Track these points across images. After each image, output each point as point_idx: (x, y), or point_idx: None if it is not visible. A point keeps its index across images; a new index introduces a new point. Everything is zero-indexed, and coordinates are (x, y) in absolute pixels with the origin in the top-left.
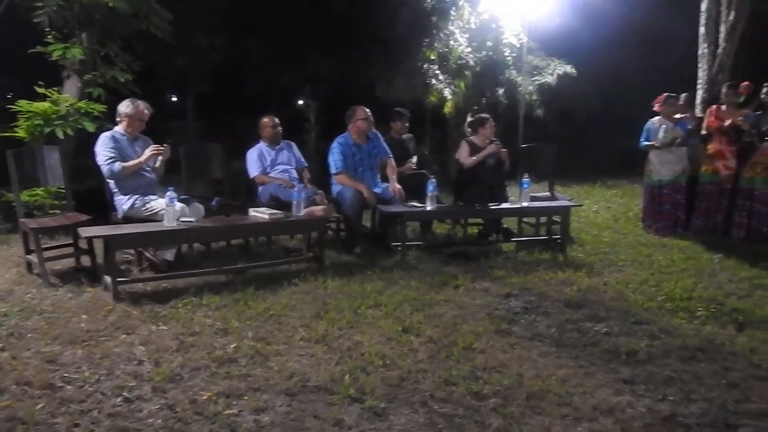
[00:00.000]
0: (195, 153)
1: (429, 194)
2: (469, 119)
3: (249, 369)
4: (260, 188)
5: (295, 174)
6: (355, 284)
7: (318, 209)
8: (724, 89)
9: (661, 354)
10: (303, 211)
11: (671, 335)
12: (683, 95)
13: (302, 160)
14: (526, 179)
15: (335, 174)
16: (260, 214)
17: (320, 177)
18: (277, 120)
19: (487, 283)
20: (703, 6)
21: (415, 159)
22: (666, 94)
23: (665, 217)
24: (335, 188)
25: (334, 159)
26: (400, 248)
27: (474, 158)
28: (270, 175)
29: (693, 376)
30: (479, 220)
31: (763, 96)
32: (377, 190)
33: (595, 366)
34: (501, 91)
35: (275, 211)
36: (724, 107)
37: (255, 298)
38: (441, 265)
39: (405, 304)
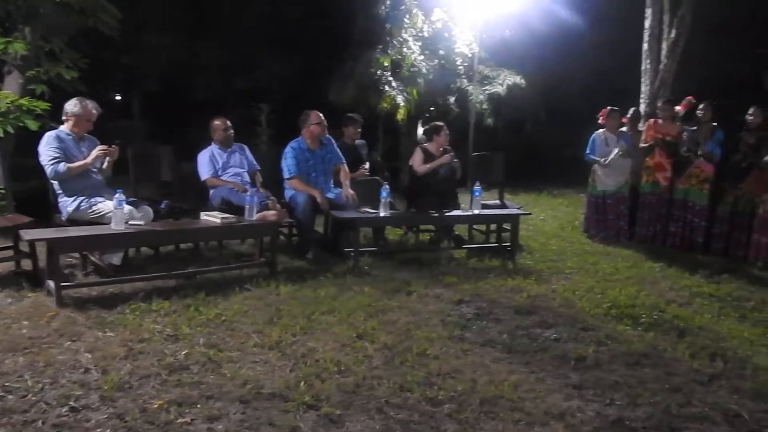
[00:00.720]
0: (143, 154)
1: (382, 200)
2: (420, 127)
3: (201, 376)
4: (211, 191)
5: (247, 177)
6: (308, 290)
7: (271, 214)
8: (660, 104)
9: (608, 360)
10: (255, 216)
11: (617, 341)
12: (631, 110)
13: (255, 163)
14: (477, 187)
15: (288, 179)
16: (212, 218)
17: (272, 181)
18: (228, 122)
19: (439, 289)
20: (647, 23)
21: (367, 165)
22: (610, 107)
23: (609, 226)
24: (288, 193)
25: (287, 163)
26: (352, 254)
27: (428, 166)
28: (222, 178)
29: (638, 381)
30: (431, 227)
31: (699, 113)
32: (330, 195)
33: (545, 371)
34: (452, 99)
35: (227, 215)
36: (660, 121)
37: (206, 303)
38: (394, 271)
39: (359, 310)
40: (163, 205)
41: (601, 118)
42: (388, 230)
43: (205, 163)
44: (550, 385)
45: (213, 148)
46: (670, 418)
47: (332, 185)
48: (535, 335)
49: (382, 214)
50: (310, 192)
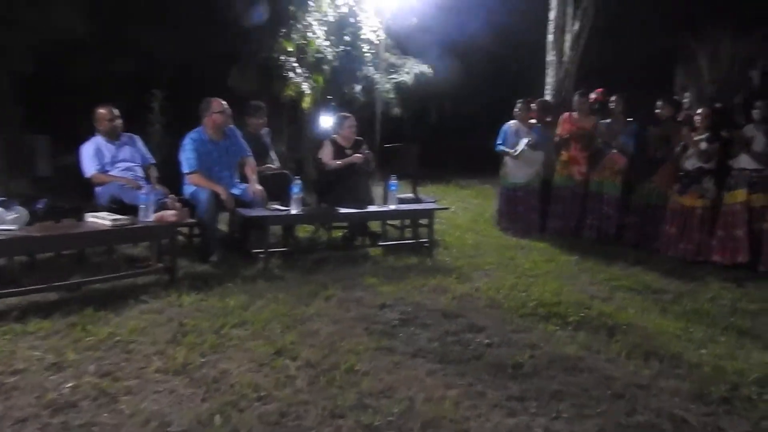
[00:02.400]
0: (15, 146)
1: (294, 196)
2: (323, 116)
3: (93, 415)
4: (98, 189)
5: (140, 173)
6: (215, 299)
7: (170, 214)
8: (576, 97)
9: (545, 365)
10: (152, 216)
11: (550, 344)
12: (539, 101)
13: (148, 156)
14: (393, 181)
15: (188, 173)
16: (99, 219)
17: (169, 176)
18: (116, 111)
19: (359, 292)
20: (551, 15)
21: (274, 157)
22: (522, 100)
23: (521, 219)
24: (188, 189)
25: (187, 157)
26: (262, 255)
27: (339, 162)
28: (110, 173)
29: (580, 389)
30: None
31: (611, 105)
32: (236, 191)
33: (483, 382)
34: (358, 87)
35: (118, 216)
36: (576, 114)
37: (95, 321)
38: (308, 273)
39: (274, 321)
40: (40, 205)
41: (515, 110)
42: (297, 227)
43: (89, 156)
44: (491, 399)
45: (99, 140)
46: (621, 430)
47: (237, 180)
48: (467, 341)
49: (294, 212)
50: (212, 188)
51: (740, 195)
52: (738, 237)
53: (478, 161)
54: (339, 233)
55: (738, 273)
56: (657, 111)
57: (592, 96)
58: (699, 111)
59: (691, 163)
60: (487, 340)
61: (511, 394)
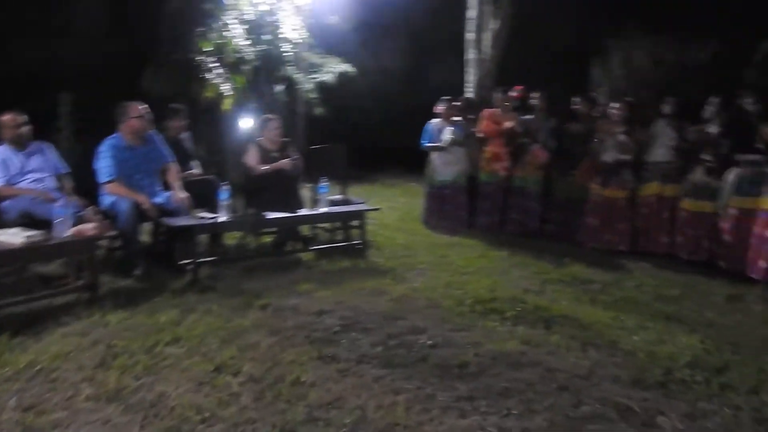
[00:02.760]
0: None
1: (222, 202)
2: (244, 118)
3: None
4: (6, 203)
5: (52, 184)
6: (144, 316)
7: (89, 227)
8: (497, 94)
9: (490, 363)
10: (69, 230)
11: (491, 341)
12: (461, 98)
13: (61, 166)
14: (323, 183)
15: (106, 183)
16: (10, 236)
17: (83, 186)
18: (22, 117)
19: (295, 299)
20: (470, 13)
21: (197, 163)
22: (443, 97)
23: (449, 216)
24: (106, 200)
25: (104, 165)
26: (190, 266)
27: (266, 167)
28: (19, 186)
29: (526, 384)
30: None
31: (532, 102)
32: (158, 199)
33: (431, 385)
34: (279, 87)
35: (30, 232)
36: (497, 111)
37: (12, 348)
38: (240, 282)
39: (210, 336)
40: None
41: (438, 107)
42: (224, 234)
43: None
44: (441, 402)
45: (4, 150)
46: (570, 423)
47: (160, 188)
48: (410, 343)
49: (223, 219)
50: (133, 197)
51: (654, 187)
52: (651, 226)
53: (401, 160)
54: (268, 239)
55: (659, 260)
56: (575, 107)
57: (513, 93)
58: (615, 105)
59: (610, 156)
60: (430, 341)
61: (460, 395)
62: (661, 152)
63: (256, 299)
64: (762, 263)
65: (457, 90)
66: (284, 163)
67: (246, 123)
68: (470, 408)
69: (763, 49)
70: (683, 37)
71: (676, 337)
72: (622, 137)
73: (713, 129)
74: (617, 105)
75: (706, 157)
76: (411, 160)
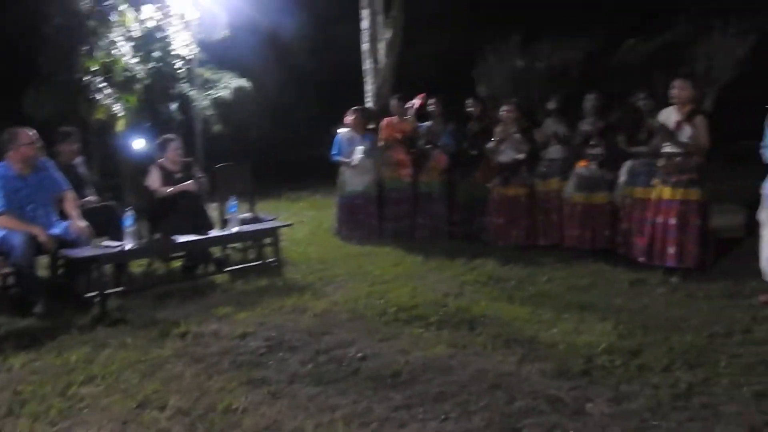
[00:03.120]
0: None
1: (127, 229)
2: (137, 138)
3: None
4: None
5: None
6: (51, 356)
7: None
8: (393, 102)
9: (421, 370)
10: None
11: (419, 347)
12: (358, 108)
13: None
14: (233, 203)
15: None
16: None
17: None
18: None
19: (214, 324)
20: (364, 24)
21: (92, 189)
22: (354, 107)
23: (362, 226)
24: None
25: None
26: (96, 299)
27: (170, 190)
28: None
29: (459, 387)
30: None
31: (430, 108)
32: (56, 230)
33: (366, 398)
34: (174, 106)
35: None
36: (395, 119)
37: None
38: (153, 311)
39: (128, 371)
40: None
41: (346, 118)
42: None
43: None
44: (379, 413)
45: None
46: (506, 419)
47: (56, 218)
48: (339, 357)
49: (129, 247)
50: (27, 229)
51: (554, 183)
52: (553, 221)
53: (304, 173)
54: (177, 264)
55: (563, 253)
56: (469, 109)
57: (412, 101)
58: (504, 107)
59: (507, 156)
60: (359, 354)
61: (397, 404)
62: (556, 149)
63: (173, 328)
64: (666, 249)
65: (357, 100)
66: (189, 184)
67: (141, 144)
68: (408, 416)
69: (625, 47)
70: (558, 38)
71: (592, 326)
72: (516, 137)
73: (593, 124)
74: (507, 107)
75: (596, 150)
76: (314, 173)
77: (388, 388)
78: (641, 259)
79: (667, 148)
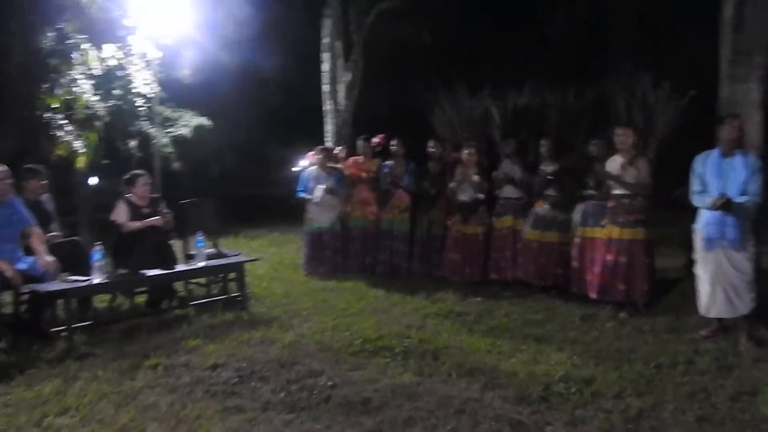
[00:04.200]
0: None
1: (96, 264)
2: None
3: None
4: None
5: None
6: (22, 390)
7: None
8: (360, 142)
9: (390, 396)
10: None
11: (387, 376)
12: (320, 148)
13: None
14: (200, 238)
15: None
16: None
17: None
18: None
19: (184, 356)
20: (324, 66)
21: (57, 225)
22: (321, 146)
23: (327, 262)
24: None
25: None
26: (63, 333)
27: (138, 224)
28: None
29: (426, 413)
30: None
31: (393, 148)
32: (21, 265)
33: (339, 423)
34: (134, 143)
35: None
36: (360, 158)
37: None
38: (121, 345)
39: (103, 402)
40: None
41: (310, 156)
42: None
43: None
44: None
45: None
46: None
47: (21, 253)
48: (310, 386)
49: (97, 281)
50: None
51: (507, 221)
52: (507, 258)
53: (263, 210)
54: (141, 299)
55: (517, 289)
56: (430, 150)
57: (375, 140)
58: (465, 150)
59: (466, 195)
60: (330, 382)
61: (368, 429)
62: (511, 188)
63: (143, 360)
64: (616, 286)
65: (316, 140)
66: (156, 219)
67: (98, 180)
68: None
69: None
70: (511, 87)
71: (548, 356)
72: (475, 178)
73: (550, 167)
74: (468, 149)
75: (551, 192)
76: (272, 211)
77: (359, 414)
78: (593, 296)
79: (616, 191)
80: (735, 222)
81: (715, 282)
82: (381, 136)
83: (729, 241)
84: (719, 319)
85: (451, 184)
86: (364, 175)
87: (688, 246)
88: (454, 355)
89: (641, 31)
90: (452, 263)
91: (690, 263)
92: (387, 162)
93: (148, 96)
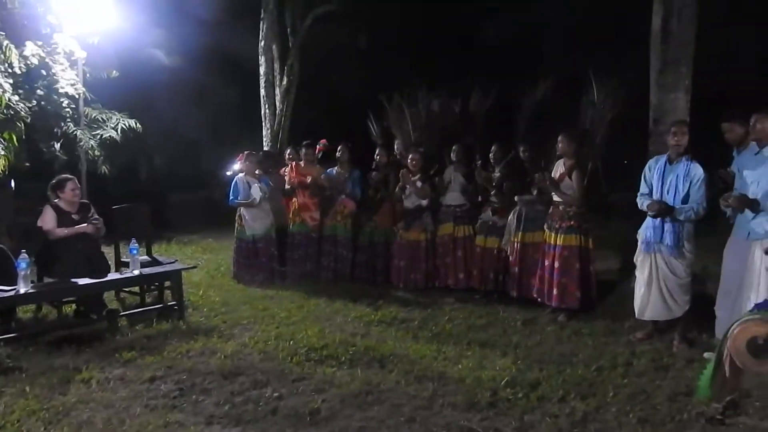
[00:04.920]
0: None
1: (21, 273)
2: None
3: None
4: None
5: None
6: None
7: None
8: (303, 149)
9: (339, 406)
10: None
11: (334, 385)
12: (261, 152)
13: None
14: (134, 245)
15: None
16: None
17: None
18: None
19: (119, 369)
20: (261, 70)
21: None
22: (247, 151)
23: (262, 269)
24: None
25: None
26: None
27: (66, 231)
28: None
29: (377, 422)
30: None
31: (338, 154)
32: None
33: None
34: (58, 145)
35: None
36: (302, 164)
37: None
38: (49, 358)
39: (31, 419)
40: None
41: (238, 162)
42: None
43: None
44: None
45: None
46: None
47: None
48: (256, 397)
49: (23, 290)
50: None
51: (449, 227)
52: (449, 264)
53: (197, 215)
54: (70, 309)
55: (460, 294)
56: (376, 158)
57: (318, 146)
58: (411, 155)
59: (410, 202)
60: (275, 393)
61: None
62: (453, 195)
63: (75, 374)
64: (552, 290)
65: (253, 144)
66: (87, 227)
67: (20, 184)
68: None
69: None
70: (460, 89)
71: (493, 361)
72: (419, 184)
73: (496, 173)
74: (412, 155)
75: (492, 198)
76: (204, 216)
77: (308, 426)
78: (538, 299)
79: (555, 197)
80: (673, 228)
81: (650, 284)
82: (323, 141)
83: (666, 246)
84: (654, 322)
85: (396, 190)
86: (304, 180)
87: (624, 249)
88: (401, 363)
89: (573, 39)
90: (397, 270)
91: (626, 267)
92: (331, 168)
93: (74, 96)
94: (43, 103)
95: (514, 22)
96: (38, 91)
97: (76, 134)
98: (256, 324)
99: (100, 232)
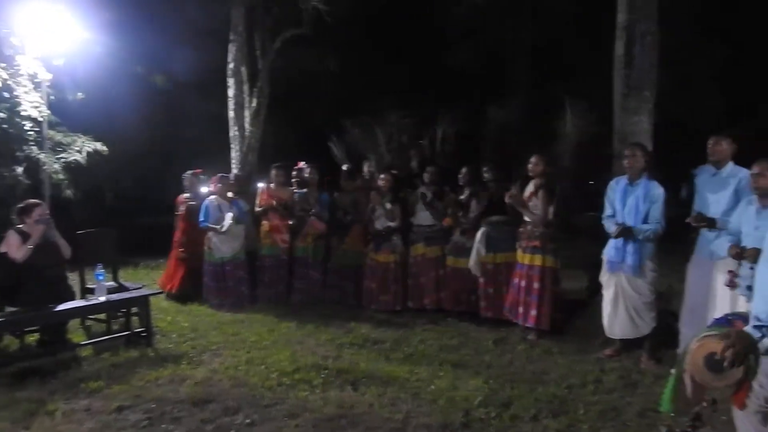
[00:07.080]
0: None
1: None
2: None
3: None
4: None
5: None
6: None
7: None
8: (273, 171)
9: (312, 430)
10: None
11: (308, 409)
12: (232, 174)
13: None
14: (100, 270)
15: None
16: None
17: None
18: None
19: (85, 400)
20: (230, 92)
21: None
22: (220, 174)
23: (231, 293)
24: None
25: None
26: None
27: (28, 246)
28: None
29: None
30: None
31: (306, 176)
32: None
33: None
34: (20, 169)
35: None
36: (273, 186)
37: None
38: (11, 390)
39: None
40: None
41: (211, 184)
42: None
43: None
44: None
45: None
46: None
47: None
48: (227, 425)
49: None
50: None
51: (419, 248)
52: (422, 284)
53: (162, 240)
54: (32, 338)
55: (431, 315)
56: (345, 180)
57: (297, 167)
58: (381, 176)
59: (380, 223)
60: (247, 420)
61: None
62: (423, 216)
63: (39, 406)
64: (521, 309)
65: (220, 166)
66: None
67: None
68: None
69: (492, 120)
70: (430, 112)
71: (466, 382)
72: (388, 206)
73: (465, 194)
74: (383, 176)
75: (462, 219)
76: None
77: None
78: (513, 319)
79: (526, 217)
80: (634, 248)
81: (616, 303)
82: (301, 163)
83: (628, 266)
84: (621, 339)
85: (367, 212)
86: (274, 202)
87: (589, 268)
88: (374, 385)
89: (544, 63)
90: (369, 291)
91: (592, 285)
92: (299, 190)
93: (38, 119)
94: (5, 126)
95: (484, 45)
96: (0, 114)
97: (39, 158)
98: (226, 349)
99: (65, 258)
